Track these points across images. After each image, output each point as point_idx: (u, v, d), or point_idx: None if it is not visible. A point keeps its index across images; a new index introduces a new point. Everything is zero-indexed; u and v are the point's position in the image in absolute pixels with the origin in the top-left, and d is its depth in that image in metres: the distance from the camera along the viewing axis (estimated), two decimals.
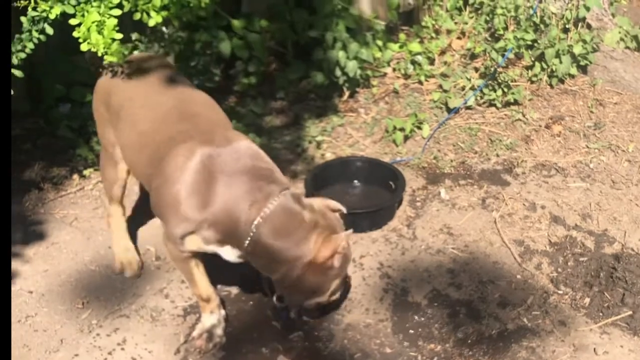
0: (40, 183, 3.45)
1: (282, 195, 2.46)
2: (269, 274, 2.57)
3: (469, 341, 2.77)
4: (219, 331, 2.73)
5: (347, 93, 4.14)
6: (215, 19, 3.77)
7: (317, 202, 2.57)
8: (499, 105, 4.14)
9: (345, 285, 2.86)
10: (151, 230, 3.19)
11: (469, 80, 4.23)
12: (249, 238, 2.44)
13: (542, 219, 3.37)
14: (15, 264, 3.02)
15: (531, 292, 2.98)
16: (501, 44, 4.20)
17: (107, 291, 2.88)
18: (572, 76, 4.31)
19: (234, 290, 2.97)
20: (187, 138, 2.52)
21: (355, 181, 3.59)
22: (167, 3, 2.89)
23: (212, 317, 2.73)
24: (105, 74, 2.88)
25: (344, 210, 2.63)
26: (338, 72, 4.02)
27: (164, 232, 2.59)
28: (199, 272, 2.66)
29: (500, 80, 4.13)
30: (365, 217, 3.30)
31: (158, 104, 2.73)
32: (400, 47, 4.42)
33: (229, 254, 2.55)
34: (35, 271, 3.01)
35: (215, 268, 3.02)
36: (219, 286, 2.97)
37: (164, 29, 3.77)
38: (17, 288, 2.92)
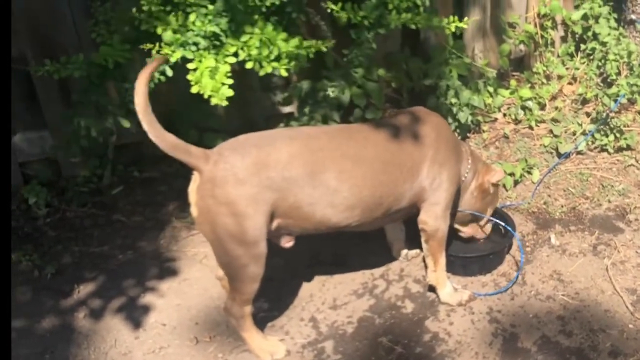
0: (174, 223, 3.59)
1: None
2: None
3: None
4: (459, 293, 3.13)
5: None
6: (335, 69, 3.84)
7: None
8: (611, 150, 4.00)
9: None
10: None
11: (580, 125, 4.11)
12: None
13: None
14: (150, 298, 3.16)
15: None
16: (614, 89, 4.06)
17: (231, 326, 2.93)
18: None
19: (349, 329, 2.99)
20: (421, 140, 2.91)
21: None
22: (277, 55, 2.96)
23: (448, 286, 3.11)
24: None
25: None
26: (450, 119, 4.00)
27: (434, 221, 2.94)
28: None
29: (612, 126, 4.00)
30: (475, 261, 3.26)
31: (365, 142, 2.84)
32: (511, 93, 4.35)
33: None
34: (168, 305, 3.12)
35: (329, 310, 3.06)
36: (336, 325, 3.00)
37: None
38: (152, 320, 3.04)
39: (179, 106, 3.82)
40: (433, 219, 2.95)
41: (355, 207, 2.77)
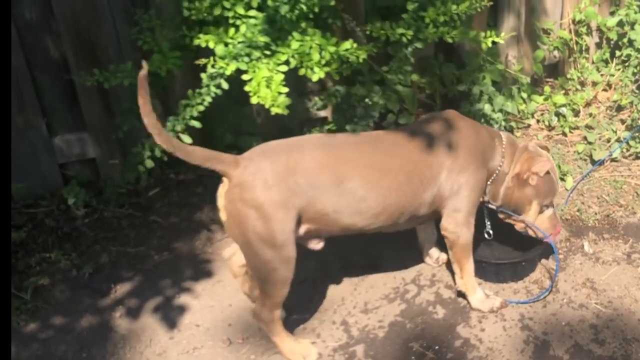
0: (209, 224, 3.59)
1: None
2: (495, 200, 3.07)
3: None
4: (491, 300, 3.08)
5: None
6: (370, 74, 3.81)
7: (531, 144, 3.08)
8: None
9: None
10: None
11: (615, 132, 4.04)
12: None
13: None
14: (185, 298, 3.16)
15: None
16: None
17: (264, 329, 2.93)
18: None
19: (380, 334, 2.97)
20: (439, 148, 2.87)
21: None
22: (329, 59, 2.96)
23: (479, 292, 3.06)
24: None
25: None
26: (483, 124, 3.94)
27: (455, 227, 2.90)
28: None
29: None
30: (507, 268, 3.21)
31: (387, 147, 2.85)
32: (545, 99, 4.29)
33: None
34: (202, 306, 3.13)
35: (361, 314, 3.04)
36: (367, 329, 2.98)
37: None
38: (187, 321, 3.05)
39: (215, 110, 3.82)
40: (453, 225, 2.92)
41: (380, 214, 2.79)
